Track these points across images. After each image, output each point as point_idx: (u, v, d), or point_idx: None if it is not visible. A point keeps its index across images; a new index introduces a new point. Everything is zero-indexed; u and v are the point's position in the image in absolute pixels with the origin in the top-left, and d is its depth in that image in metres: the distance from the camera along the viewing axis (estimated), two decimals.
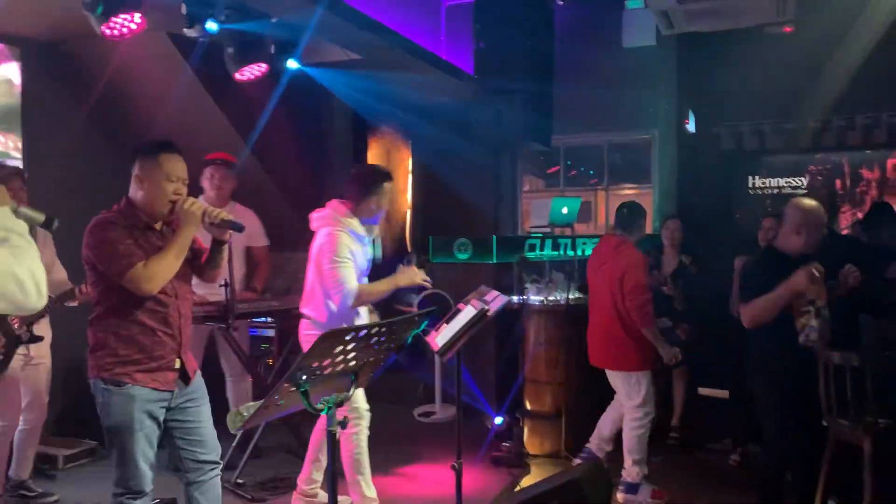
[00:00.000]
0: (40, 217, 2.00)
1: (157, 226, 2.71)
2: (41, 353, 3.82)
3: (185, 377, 2.73)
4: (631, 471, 3.96)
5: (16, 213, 1.83)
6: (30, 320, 3.58)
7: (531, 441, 4.81)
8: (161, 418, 2.66)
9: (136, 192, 2.66)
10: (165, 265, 2.59)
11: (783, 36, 5.94)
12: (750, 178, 7.11)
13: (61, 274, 3.82)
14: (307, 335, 3.53)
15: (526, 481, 4.27)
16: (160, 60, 4.84)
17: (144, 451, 2.61)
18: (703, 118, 7.08)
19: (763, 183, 7.10)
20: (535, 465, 4.60)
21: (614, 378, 4.07)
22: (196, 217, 2.65)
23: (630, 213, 4.09)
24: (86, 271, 2.66)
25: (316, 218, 3.53)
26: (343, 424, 2.09)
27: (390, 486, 4.07)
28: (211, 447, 2.77)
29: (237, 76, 4.50)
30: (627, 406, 3.99)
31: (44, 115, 4.83)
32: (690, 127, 7.10)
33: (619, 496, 3.96)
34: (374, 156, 7.37)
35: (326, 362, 1.97)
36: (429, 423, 5.59)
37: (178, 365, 2.69)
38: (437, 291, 5.22)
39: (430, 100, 6.18)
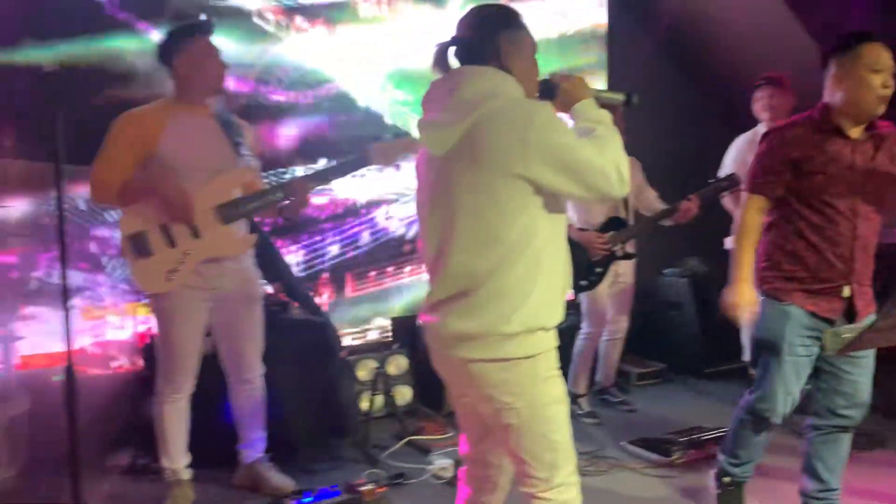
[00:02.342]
0: (619, 97, 2.07)
1: (854, 132, 2.45)
2: (626, 271, 4.07)
3: (850, 312, 2.47)
4: None
5: (598, 98, 1.94)
6: (624, 238, 3.87)
7: None
8: (815, 352, 2.51)
9: (832, 93, 2.46)
10: None
11: None
12: None
13: (651, 193, 4.02)
14: None
15: None
16: None
17: (786, 379, 2.52)
18: None
19: None
20: None
21: None
22: None
23: None
24: None
25: None
26: None
27: None
28: (857, 403, 2.53)
29: None
30: None
31: (622, 48, 5.18)
32: None
33: None
34: None
35: None
36: None
37: (846, 293, 2.46)
38: None
39: None
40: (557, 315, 1.85)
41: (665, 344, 4.93)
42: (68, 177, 2.57)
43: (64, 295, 2.26)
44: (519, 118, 1.72)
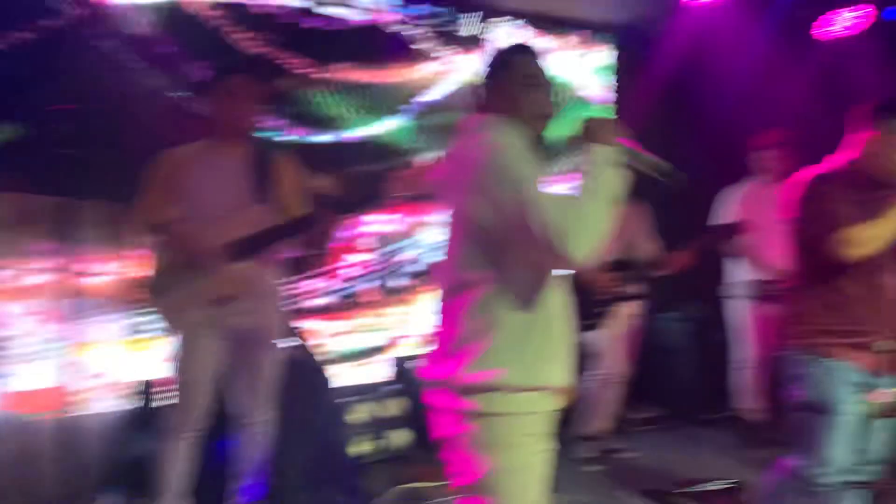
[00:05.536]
0: (660, 166, 1.78)
1: None
2: (635, 312, 4.07)
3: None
4: None
5: (636, 157, 1.75)
6: (633, 278, 3.84)
7: None
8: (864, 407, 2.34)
9: (864, 153, 2.36)
10: (879, 234, 2.25)
11: None
12: None
13: (652, 245, 4.01)
14: None
15: None
16: (734, 28, 4.70)
17: (838, 438, 2.31)
18: None
19: None
20: None
21: None
22: None
23: None
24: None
25: None
26: None
27: None
28: (872, 460, 2.39)
29: (822, 32, 3.98)
30: None
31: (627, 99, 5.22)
32: None
33: None
34: None
35: None
36: None
37: (885, 347, 2.30)
38: None
39: None
40: None
41: (662, 389, 4.84)
42: None
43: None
44: None
